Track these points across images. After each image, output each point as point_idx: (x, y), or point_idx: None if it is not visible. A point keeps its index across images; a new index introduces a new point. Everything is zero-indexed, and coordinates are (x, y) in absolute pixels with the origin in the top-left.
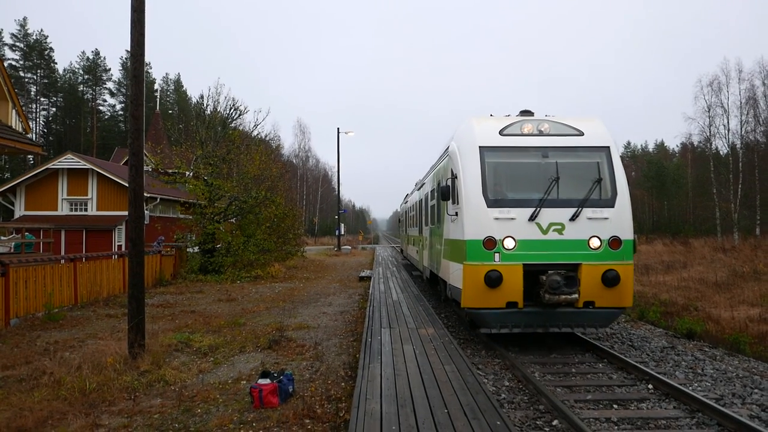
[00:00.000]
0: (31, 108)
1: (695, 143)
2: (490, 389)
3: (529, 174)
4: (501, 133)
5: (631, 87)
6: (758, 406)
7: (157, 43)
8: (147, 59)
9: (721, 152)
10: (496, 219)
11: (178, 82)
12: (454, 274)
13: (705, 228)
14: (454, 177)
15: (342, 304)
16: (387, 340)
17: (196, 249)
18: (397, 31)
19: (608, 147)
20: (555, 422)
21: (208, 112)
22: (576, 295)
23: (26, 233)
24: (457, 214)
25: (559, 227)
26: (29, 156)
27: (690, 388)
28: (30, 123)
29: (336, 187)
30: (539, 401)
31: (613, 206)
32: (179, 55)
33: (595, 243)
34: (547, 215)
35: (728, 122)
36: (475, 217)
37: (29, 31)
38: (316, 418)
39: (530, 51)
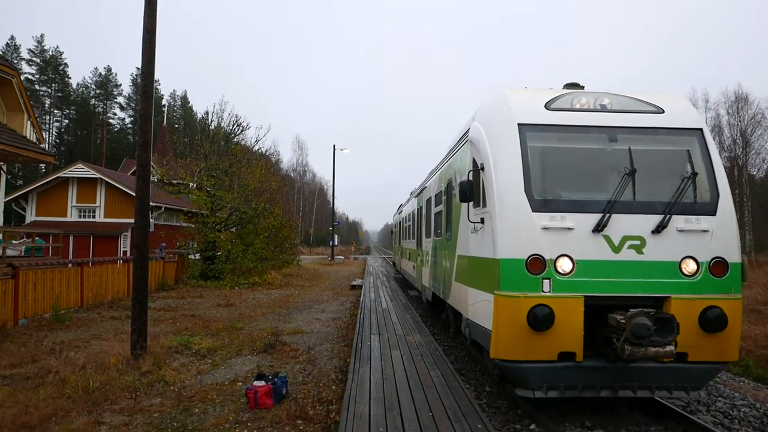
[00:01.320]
0: (45, 119)
1: None
2: (472, 394)
3: (592, 164)
4: (548, 107)
5: None
6: (722, 413)
7: (166, 61)
8: (156, 76)
9: None
10: (546, 229)
11: (184, 99)
12: (476, 306)
13: None
14: (478, 169)
15: (334, 310)
16: (376, 346)
17: (198, 256)
18: (391, 56)
19: (701, 129)
20: (532, 426)
21: (213, 128)
22: (672, 348)
23: (37, 238)
24: (482, 220)
25: (638, 243)
26: (42, 165)
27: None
28: (43, 134)
29: (331, 200)
30: (518, 406)
31: (714, 213)
32: (186, 73)
33: (690, 267)
34: (620, 225)
35: None
36: (514, 225)
37: (45, 47)
38: (308, 419)
39: (511, 62)
